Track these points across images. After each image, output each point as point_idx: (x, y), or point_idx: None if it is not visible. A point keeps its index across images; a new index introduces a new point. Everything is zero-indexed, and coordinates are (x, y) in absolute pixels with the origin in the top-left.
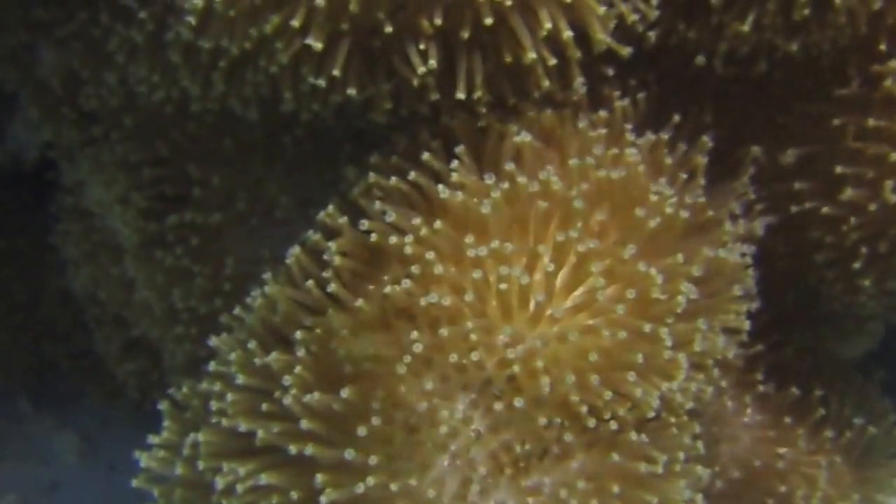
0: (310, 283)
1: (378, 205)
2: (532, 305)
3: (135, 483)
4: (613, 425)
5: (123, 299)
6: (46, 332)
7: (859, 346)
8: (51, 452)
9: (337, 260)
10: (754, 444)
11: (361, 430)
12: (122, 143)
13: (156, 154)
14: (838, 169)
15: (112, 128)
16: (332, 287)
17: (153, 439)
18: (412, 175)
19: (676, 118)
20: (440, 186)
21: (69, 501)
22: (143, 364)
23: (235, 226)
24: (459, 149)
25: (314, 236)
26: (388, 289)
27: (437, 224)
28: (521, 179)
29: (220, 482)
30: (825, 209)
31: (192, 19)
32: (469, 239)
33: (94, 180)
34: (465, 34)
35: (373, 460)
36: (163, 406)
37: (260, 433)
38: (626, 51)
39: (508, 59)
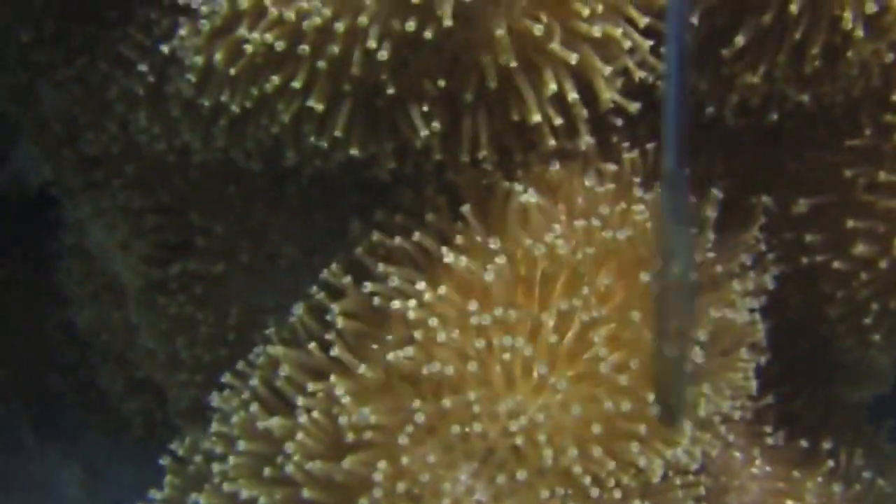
0: (312, 345)
1: (382, 266)
2: (535, 375)
3: None
4: (617, 493)
5: (127, 341)
6: (51, 362)
7: (868, 391)
8: (55, 485)
9: (340, 322)
10: (763, 495)
11: (363, 502)
12: (123, 190)
13: (158, 201)
14: (850, 223)
15: (114, 175)
16: (336, 351)
17: (155, 495)
18: (416, 235)
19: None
20: (444, 250)
21: None
22: (147, 402)
23: (239, 274)
24: (465, 208)
25: (318, 295)
26: (391, 355)
27: (441, 290)
28: (527, 242)
29: None
30: (836, 264)
31: (192, 77)
32: (473, 305)
33: (95, 224)
34: (469, 96)
35: None
36: (164, 461)
37: (262, 500)
38: (633, 107)
39: (514, 117)
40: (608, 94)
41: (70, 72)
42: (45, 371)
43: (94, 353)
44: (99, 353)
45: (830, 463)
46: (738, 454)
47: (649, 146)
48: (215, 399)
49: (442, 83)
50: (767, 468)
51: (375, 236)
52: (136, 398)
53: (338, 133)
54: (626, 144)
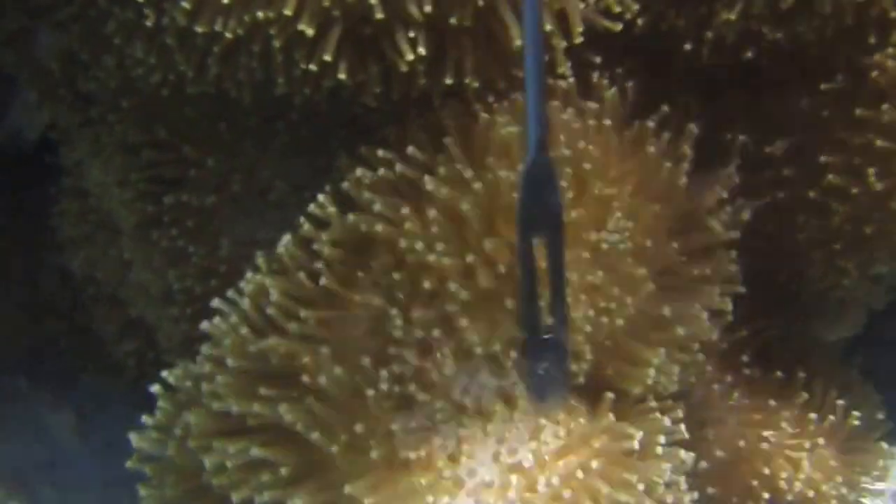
0: (301, 274)
1: (367, 195)
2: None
3: (128, 464)
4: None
5: (120, 280)
6: (46, 308)
7: (842, 331)
8: (47, 430)
9: (327, 250)
10: (740, 427)
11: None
12: (120, 125)
13: (154, 136)
14: (824, 158)
15: (110, 110)
16: (324, 279)
17: (146, 420)
18: (399, 167)
19: (665, 108)
20: (427, 178)
21: (66, 479)
22: (140, 344)
23: (230, 207)
24: (447, 140)
25: (305, 227)
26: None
27: (431, 212)
28: (503, 173)
29: (209, 461)
30: (811, 193)
31: (186, 5)
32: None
33: (93, 162)
34: (455, 21)
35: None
36: (155, 388)
37: (256, 407)
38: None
39: (498, 47)
40: (580, 29)
41: (70, 10)
42: (38, 316)
43: (87, 297)
44: (92, 297)
45: (805, 394)
46: (716, 387)
47: (629, 84)
48: (205, 325)
49: (428, 9)
50: (745, 400)
51: (359, 171)
52: (129, 340)
53: (327, 57)
54: (605, 82)
